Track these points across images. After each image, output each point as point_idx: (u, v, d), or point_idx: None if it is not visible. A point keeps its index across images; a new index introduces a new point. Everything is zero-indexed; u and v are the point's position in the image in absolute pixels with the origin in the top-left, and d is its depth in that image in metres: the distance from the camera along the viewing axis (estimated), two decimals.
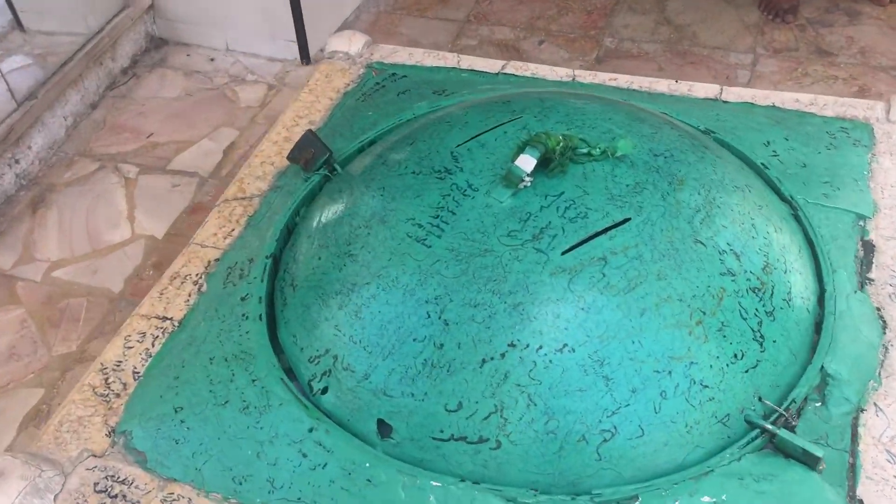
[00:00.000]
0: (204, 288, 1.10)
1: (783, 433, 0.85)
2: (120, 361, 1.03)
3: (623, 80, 1.38)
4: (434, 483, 0.84)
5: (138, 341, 1.05)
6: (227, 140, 2.00)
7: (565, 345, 0.85)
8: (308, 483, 0.87)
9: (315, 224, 1.06)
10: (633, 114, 1.08)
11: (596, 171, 0.97)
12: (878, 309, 1.01)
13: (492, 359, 0.86)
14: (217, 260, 1.14)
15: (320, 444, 0.89)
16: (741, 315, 0.90)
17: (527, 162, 0.94)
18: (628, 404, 0.85)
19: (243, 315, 1.03)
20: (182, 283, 1.11)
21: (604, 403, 0.85)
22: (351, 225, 1.00)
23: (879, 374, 0.94)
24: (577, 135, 1.00)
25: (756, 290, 0.93)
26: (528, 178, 0.94)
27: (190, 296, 1.09)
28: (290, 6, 2.13)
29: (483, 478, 0.85)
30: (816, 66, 2.15)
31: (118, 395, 0.99)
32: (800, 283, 0.99)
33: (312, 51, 2.25)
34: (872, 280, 1.04)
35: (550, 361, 0.85)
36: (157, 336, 1.05)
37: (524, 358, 0.86)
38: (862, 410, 0.91)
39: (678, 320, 0.88)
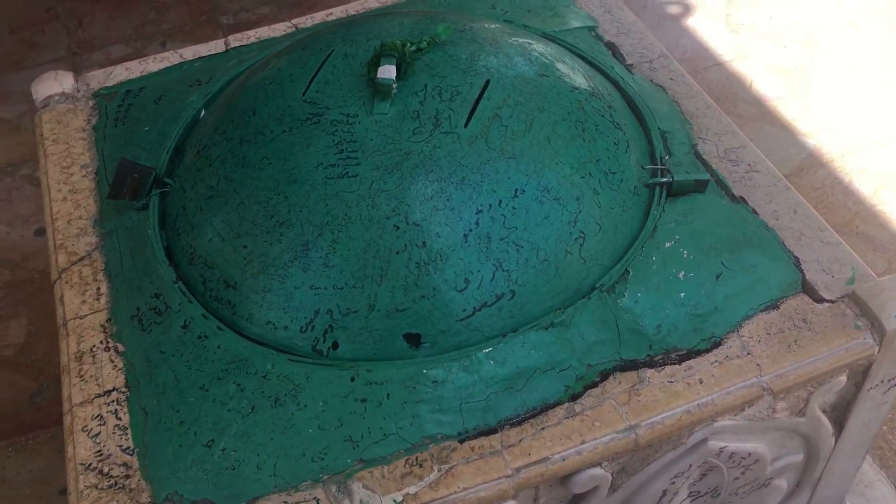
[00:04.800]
0: (121, 348, 1.02)
1: (677, 177, 1.08)
2: (99, 451, 0.93)
3: (338, 12, 1.48)
4: (486, 349, 0.94)
5: (100, 424, 0.95)
6: None
7: (516, 190, 0.98)
8: (386, 418, 0.90)
9: (211, 224, 1.04)
10: (408, 16, 1.21)
11: (434, 59, 1.08)
12: (651, 80, 1.28)
13: (470, 230, 0.96)
14: (109, 320, 1.05)
15: (371, 383, 0.92)
16: (600, 114, 1.10)
17: (389, 71, 1.03)
18: (580, 210, 1.01)
19: (199, 337, 0.98)
20: (93, 356, 1.01)
21: (565, 218, 0.99)
22: (258, 202, 1.00)
23: (685, 117, 1.22)
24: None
25: (593, 94, 1.13)
26: (394, 85, 1.03)
27: (112, 361, 1.01)
28: None
29: (515, 326, 0.96)
30: None
31: (127, 476, 0.90)
32: (605, 82, 1.21)
33: None
34: (632, 65, 1.31)
35: (513, 208, 0.98)
36: (116, 409, 0.96)
37: (493, 216, 0.97)
38: (694, 145, 1.17)
39: (572, 134, 1.05)
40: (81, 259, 1.13)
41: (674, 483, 1.00)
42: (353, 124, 1.01)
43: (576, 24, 1.36)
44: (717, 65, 2.07)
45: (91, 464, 0.92)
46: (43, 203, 1.23)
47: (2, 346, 1.68)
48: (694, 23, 2.20)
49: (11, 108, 2.21)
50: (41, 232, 1.89)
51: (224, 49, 1.43)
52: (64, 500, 1.45)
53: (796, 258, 1.03)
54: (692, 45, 2.13)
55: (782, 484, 1.13)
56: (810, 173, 1.79)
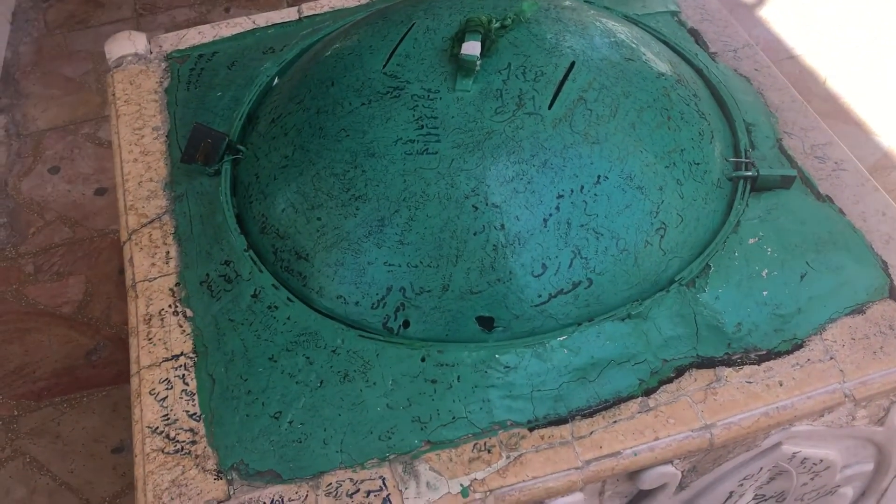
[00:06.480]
0: (189, 313, 1.01)
1: (763, 171, 1.05)
2: (166, 415, 0.93)
3: None
4: (560, 337, 0.92)
5: (168, 388, 0.95)
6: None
7: (598, 176, 0.96)
8: (455, 401, 0.89)
9: (285, 194, 1.03)
10: None
11: (518, 38, 1.05)
12: (735, 70, 1.24)
13: (550, 215, 0.94)
14: (178, 284, 1.05)
15: (442, 365, 0.91)
16: (685, 102, 1.07)
17: (473, 47, 1.00)
18: (663, 201, 0.98)
19: (269, 307, 0.97)
20: (161, 320, 1.01)
21: (647, 208, 0.97)
22: (334, 174, 0.99)
23: (769, 110, 1.18)
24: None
25: (679, 82, 1.10)
26: (478, 62, 1.00)
27: (181, 326, 1.00)
28: None
29: (591, 315, 0.94)
30: None
31: (194, 442, 0.90)
32: (688, 70, 1.18)
33: None
34: (716, 53, 1.27)
35: (595, 195, 0.95)
36: (183, 374, 0.96)
37: (574, 202, 0.94)
38: (779, 140, 1.14)
39: (657, 121, 1.02)
40: (151, 221, 1.12)
41: (741, 485, 0.98)
42: (434, 100, 0.99)
43: (658, 9, 1.32)
44: (790, 58, 2.02)
45: (158, 427, 0.92)
46: (114, 163, 1.23)
47: (60, 302, 1.69)
48: (768, 13, 2.14)
49: (76, 66, 2.23)
50: (102, 191, 1.90)
51: (297, 17, 1.41)
52: (116, 458, 1.47)
53: (884, 262, 0.99)
54: (765, 37, 2.07)
55: (848, 492, 1.11)
56: (884, 174, 1.73)
